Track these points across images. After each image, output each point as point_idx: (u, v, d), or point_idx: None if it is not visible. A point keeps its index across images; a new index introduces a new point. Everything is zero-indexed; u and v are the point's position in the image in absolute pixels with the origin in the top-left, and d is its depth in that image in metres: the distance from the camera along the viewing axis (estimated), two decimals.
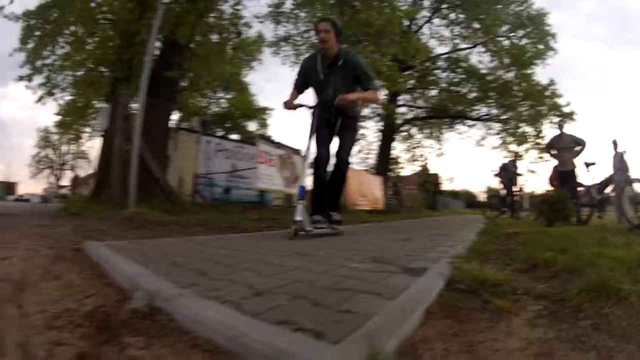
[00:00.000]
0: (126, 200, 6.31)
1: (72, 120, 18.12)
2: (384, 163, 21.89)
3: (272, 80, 74.58)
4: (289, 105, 4.31)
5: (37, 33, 11.47)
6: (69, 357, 1.09)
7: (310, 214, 4.07)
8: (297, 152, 13.34)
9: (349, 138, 4.43)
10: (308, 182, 4.34)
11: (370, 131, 23.08)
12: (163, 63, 8.90)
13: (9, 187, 62.02)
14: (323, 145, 4.20)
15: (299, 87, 4.47)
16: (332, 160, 4.31)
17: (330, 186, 4.28)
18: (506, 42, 19.06)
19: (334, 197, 4.38)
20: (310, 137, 4.16)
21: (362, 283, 1.68)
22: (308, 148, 4.19)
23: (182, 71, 10.05)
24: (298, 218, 3.70)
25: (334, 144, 4.35)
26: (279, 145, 14.37)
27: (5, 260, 2.31)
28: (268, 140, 16.11)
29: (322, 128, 4.20)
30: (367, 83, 4.17)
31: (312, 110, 4.20)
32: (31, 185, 75.10)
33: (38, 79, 12.45)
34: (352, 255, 2.58)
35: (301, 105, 4.29)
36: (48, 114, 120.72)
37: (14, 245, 2.89)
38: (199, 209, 8.59)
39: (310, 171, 4.22)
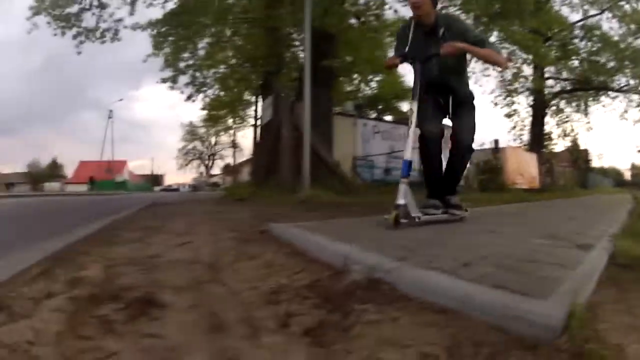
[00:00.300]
0: (297, 184, 6.70)
1: (221, 114, 19.95)
2: (538, 139, 20.77)
3: None
4: (390, 63, 3.62)
5: (171, 38, 12.21)
6: (307, 325, 1.19)
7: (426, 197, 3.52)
8: None
9: (467, 120, 3.59)
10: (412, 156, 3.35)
11: (521, 106, 21.82)
12: (315, 52, 9.31)
13: (156, 178, 69.69)
14: (429, 121, 3.46)
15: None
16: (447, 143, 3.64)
17: (447, 170, 3.62)
18: (627, 7, 16.62)
19: (451, 181, 3.67)
20: (413, 99, 3.29)
21: (546, 256, 1.89)
22: (411, 114, 3.25)
23: (336, 59, 10.25)
24: (401, 201, 2.91)
25: (448, 127, 3.67)
26: None
27: (190, 244, 2.54)
28: None
29: (428, 104, 3.44)
30: (484, 46, 3.34)
31: (414, 66, 3.38)
32: (177, 176, 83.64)
33: (183, 79, 13.45)
34: (530, 232, 2.88)
35: (403, 61, 3.45)
36: (187, 110, 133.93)
37: (193, 230, 3.19)
38: (364, 190, 8.71)
39: (415, 147, 3.39)
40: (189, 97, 14.29)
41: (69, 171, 64.73)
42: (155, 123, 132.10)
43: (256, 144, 13.12)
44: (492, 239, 2.49)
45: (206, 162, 62.80)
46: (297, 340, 1.13)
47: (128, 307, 1.37)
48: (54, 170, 63.23)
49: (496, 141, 16.49)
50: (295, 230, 2.62)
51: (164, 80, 13.16)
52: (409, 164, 3.12)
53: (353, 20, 11.21)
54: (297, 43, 12.63)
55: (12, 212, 7.80)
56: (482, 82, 16.91)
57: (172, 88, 13.56)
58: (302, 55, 10.95)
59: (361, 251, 1.89)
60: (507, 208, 5.90)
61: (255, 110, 19.76)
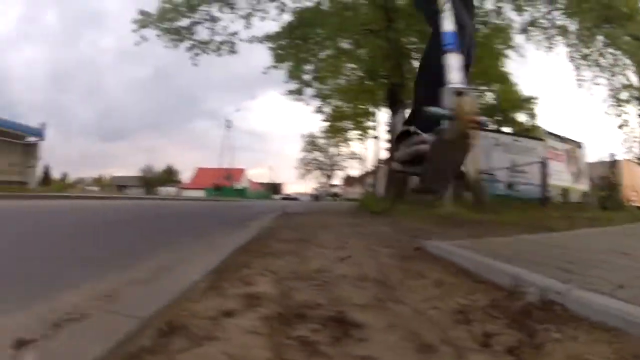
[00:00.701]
0: (433, 200, 6.75)
1: (342, 125, 20.44)
2: None
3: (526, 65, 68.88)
4: None
5: (291, 51, 12.58)
6: (508, 344, 1.25)
7: None
8: (579, 145, 12.68)
9: None
10: None
11: (631, 117, 19.63)
12: None
13: (275, 187, 72.73)
14: None
15: None
16: None
17: None
18: None
19: None
20: None
21: None
22: None
23: None
24: None
25: None
26: (563, 139, 13.68)
27: (350, 259, 2.61)
28: (554, 135, 15.16)
29: None
30: None
31: None
32: (296, 185, 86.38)
33: (308, 91, 14.11)
34: None
35: None
36: (306, 120, 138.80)
37: (346, 245, 3.24)
38: (494, 206, 8.50)
39: None
40: (318, 110, 15.18)
41: (184, 177, 69.99)
42: (272, 132, 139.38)
43: (388, 158, 13.27)
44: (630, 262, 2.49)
45: (326, 172, 63.86)
46: (502, 359, 1.19)
47: (326, 327, 1.38)
48: (169, 175, 68.35)
49: (613, 154, 15.11)
50: (456, 249, 2.68)
51: (290, 92, 13.83)
52: None
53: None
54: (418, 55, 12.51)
55: (149, 213, 8.52)
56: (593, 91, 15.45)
57: (297, 100, 14.24)
58: None
59: (529, 273, 1.93)
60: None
61: (377, 122, 20.01)
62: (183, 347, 1.19)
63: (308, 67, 13.40)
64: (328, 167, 62.55)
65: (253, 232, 4.29)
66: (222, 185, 46.78)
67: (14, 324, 1.44)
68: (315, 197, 56.07)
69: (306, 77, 13.60)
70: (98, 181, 67.46)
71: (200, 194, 45.56)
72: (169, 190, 54.54)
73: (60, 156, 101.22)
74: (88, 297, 1.85)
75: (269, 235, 4.06)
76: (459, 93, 1.34)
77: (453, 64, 1.39)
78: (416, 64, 13.06)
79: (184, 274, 2.08)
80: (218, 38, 12.09)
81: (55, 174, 55.73)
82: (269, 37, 12.44)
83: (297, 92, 13.97)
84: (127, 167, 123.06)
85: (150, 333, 1.27)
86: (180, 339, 1.24)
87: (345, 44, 13.07)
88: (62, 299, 1.81)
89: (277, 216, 7.26)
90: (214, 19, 11.81)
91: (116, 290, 1.92)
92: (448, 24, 1.48)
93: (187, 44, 11.93)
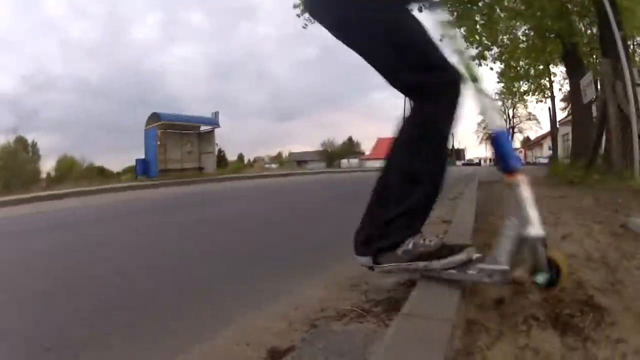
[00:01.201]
0: (624, 169, 6.31)
1: (517, 86, 19.43)
2: None
3: None
4: None
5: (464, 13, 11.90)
6: None
7: None
8: None
9: None
10: None
11: None
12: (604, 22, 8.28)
13: (458, 152, 70.67)
14: None
15: None
16: None
17: None
18: None
19: None
20: None
21: None
22: None
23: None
24: None
25: None
26: None
27: (570, 237, 2.48)
28: None
29: None
30: None
31: None
32: (477, 150, 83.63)
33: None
34: None
35: None
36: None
37: (560, 220, 3.09)
38: None
39: None
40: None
41: (365, 147, 71.73)
42: None
43: (575, 122, 12.29)
44: None
45: None
46: None
47: (582, 312, 1.32)
48: (349, 148, 70.60)
49: None
50: None
51: (474, 58, 13.07)
52: None
53: None
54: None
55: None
56: None
57: (479, 65, 13.52)
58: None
59: None
60: None
61: (551, 83, 19.08)
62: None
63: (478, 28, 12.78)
64: (507, 130, 59.96)
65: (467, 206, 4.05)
66: None
67: (262, 325, 1.54)
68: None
69: (486, 41, 13.09)
70: (277, 159, 72.24)
71: (382, 164, 45.89)
72: (351, 161, 56.21)
73: (236, 140, 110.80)
74: (335, 287, 1.93)
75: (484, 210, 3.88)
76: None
77: None
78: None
79: None
80: None
81: (233, 157, 60.73)
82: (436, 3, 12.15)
83: (480, 57, 13.37)
84: (306, 143, 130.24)
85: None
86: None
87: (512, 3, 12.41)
88: (303, 292, 1.91)
89: (473, 186, 7.12)
90: None
91: (362, 277, 1.96)
92: None
93: None
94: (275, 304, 1.79)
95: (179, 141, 20.07)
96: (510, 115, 57.93)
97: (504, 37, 13.69)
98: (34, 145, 37.44)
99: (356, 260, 1.67)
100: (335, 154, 66.35)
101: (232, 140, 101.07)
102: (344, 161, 57.29)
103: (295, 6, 11.93)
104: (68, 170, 33.92)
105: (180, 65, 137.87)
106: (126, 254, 3.33)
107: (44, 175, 32.06)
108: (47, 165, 36.41)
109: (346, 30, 1.68)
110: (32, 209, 8.03)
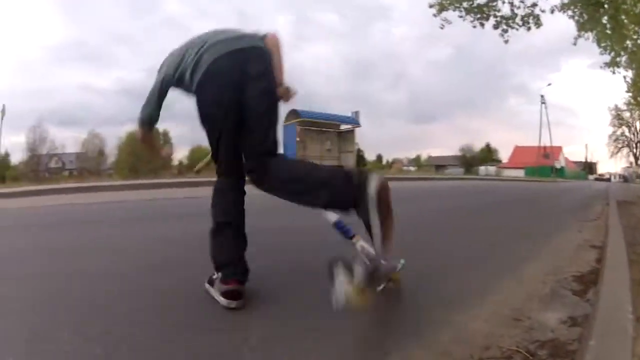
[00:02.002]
0: None
1: None
2: None
3: None
4: None
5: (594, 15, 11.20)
6: None
7: None
8: None
9: None
10: None
11: None
12: None
13: (590, 166, 65.54)
14: None
15: None
16: None
17: None
18: None
19: None
20: None
21: None
22: None
23: None
24: None
25: None
26: None
27: None
28: None
29: None
30: None
31: None
32: (608, 164, 76.74)
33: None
34: None
35: None
36: (612, 91, 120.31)
37: None
38: None
39: None
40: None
41: (502, 155, 68.75)
42: (580, 106, 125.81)
43: None
44: None
45: (634, 150, 56.08)
46: None
47: None
48: (487, 154, 67.93)
49: None
50: None
51: (607, 65, 12.08)
52: None
53: None
54: None
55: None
56: None
57: (613, 73, 12.38)
58: None
59: None
60: None
61: None
62: None
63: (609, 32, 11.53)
64: (635, 144, 55.55)
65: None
66: (536, 165, 44.55)
67: None
68: (624, 178, 48.35)
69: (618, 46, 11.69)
70: (415, 161, 72.03)
71: (518, 173, 44.75)
72: (489, 169, 54.35)
73: (374, 140, 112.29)
74: (497, 320, 1.80)
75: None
76: None
77: None
78: None
79: None
80: (519, 12, 11.56)
81: (371, 157, 61.53)
82: (564, 5, 11.45)
83: (613, 64, 12.03)
84: (444, 147, 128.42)
85: None
86: None
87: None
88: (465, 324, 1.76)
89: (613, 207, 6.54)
90: None
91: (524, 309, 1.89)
92: None
93: (492, 21, 11.62)
94: (434, 334, 1.63)
95: (318, 139, 20.68)
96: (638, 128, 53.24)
97: (629, 42, 11.96)
98: (166, 134, 40.67)
99: None
100: (473, 160, 63.67)
101: (370, 139, 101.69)
102: (482, 168, 54.56)
103: (430, 6, 11.59)
104: (200, 160, 36.78)
105: (317, 63, 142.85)
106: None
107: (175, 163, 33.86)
108: (180, 154, 39.25)
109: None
110: (162, 194, 8.44)
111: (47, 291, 2.08)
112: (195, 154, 38.84)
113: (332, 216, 2.01)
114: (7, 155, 38.45)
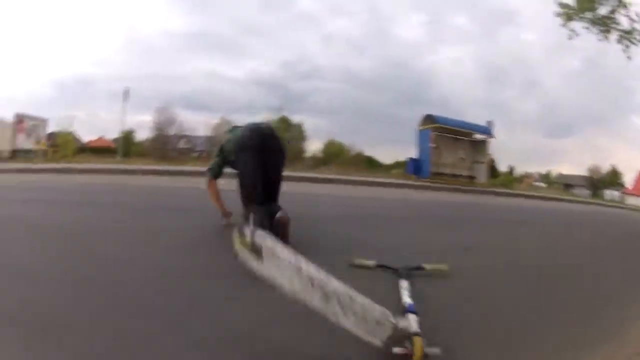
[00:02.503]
0: None
1: None
2: None
3: None
4: None
5: None
6: None
7: None
8: None
9: None
10: None
11: None
12: None
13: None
14: None
15: None
16: None
17: None
18: None
19: None
20: None
21: None
22: None
23: None
24: None
25: None
26: None
27: None
28: None
29: None
30: None
31: None
32: None
33: None
34: None
35: None
36: None
37: None
38: None
39: None
40: None
41: (627, 180, 62.17)
42: None
43: None
44: None
45: None
46: None
47: None
48: (614, 178, 62.44)
49: None
50: None
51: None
52: None
53: None
54: None
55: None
56: None
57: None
58: None
59: None
60: None
61: None
62: None
63: None
64: None
65: None
66: None
67: None
68: None
69: None
70: (545, 178, 67.99)
71: None
72: (614, 194, 49.58)
73: (506, 151, 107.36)
74: None
75: None
76: None
77: None
78: None
79: None
80: (638, 26, 10.71)
81: (503, 168, 59.21)
82: None
83: None
84: (574, 165, 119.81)
85: None
86: None
87: None
88: None
89: None
90: (623, 4, 10.56)
91: None
92: None
93: (615, 35, 10.92)
94: None
95: (452, 146, 20.00)
96: None
97: None
98: (299, 126, 41.10)
99: None
100: (600, 183, 57.91)
101: (502, 149, 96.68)
102: (607, 192, 49.30)
103: (557, 15, 11.22)
104: (335, 154, 36.13)
105: (450, 66, 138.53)
106: None
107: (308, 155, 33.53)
108: (313, 147, 39.59)
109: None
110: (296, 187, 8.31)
111: None
112: (329, 148, 39.42)
113: None
114: (132, 131, 38.74)
